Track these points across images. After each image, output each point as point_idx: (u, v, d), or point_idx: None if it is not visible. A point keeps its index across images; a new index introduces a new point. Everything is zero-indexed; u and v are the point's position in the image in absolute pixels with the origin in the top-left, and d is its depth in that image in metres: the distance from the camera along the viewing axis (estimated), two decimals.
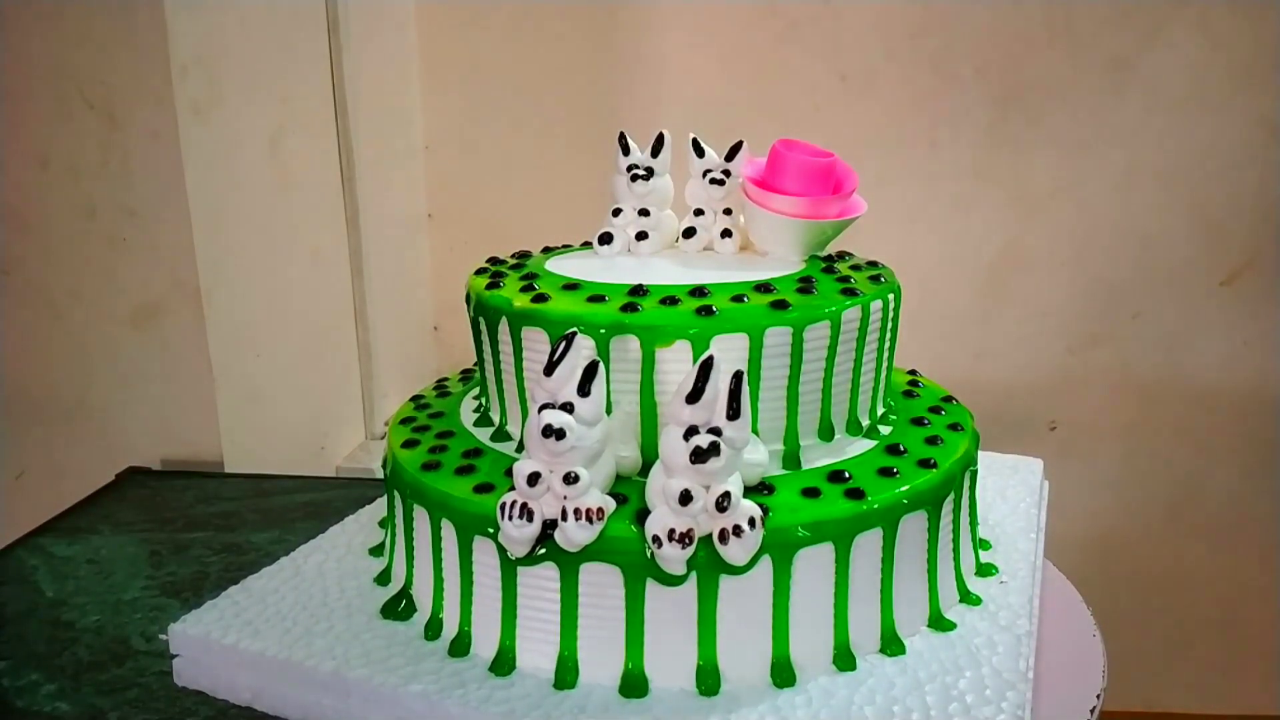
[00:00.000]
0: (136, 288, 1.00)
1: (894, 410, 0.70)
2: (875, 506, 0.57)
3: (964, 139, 1.31)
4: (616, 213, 0.73)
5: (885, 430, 0.67)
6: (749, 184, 0.70)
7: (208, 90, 0.98)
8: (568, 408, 0.52)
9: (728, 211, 0.74)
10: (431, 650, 0.59)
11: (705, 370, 0.51)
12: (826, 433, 0.64)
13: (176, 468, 1.03)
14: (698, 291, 0.62)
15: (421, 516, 0.62)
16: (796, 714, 0.53)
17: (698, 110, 1.32)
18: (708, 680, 0.55)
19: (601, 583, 0.55)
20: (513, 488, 0.54)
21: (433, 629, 0.61)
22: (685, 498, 0.51)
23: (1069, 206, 1.32)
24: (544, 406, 0.52)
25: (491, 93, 1.39)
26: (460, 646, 0.59)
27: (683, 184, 0.74)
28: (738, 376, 0.51)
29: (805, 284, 0.63)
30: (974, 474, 0.67)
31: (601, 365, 0.53)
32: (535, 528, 0.54)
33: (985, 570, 0.68)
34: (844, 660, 0.57)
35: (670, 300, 0.60)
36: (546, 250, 0.77)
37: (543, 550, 0.55)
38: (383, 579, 0.68)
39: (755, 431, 0.59)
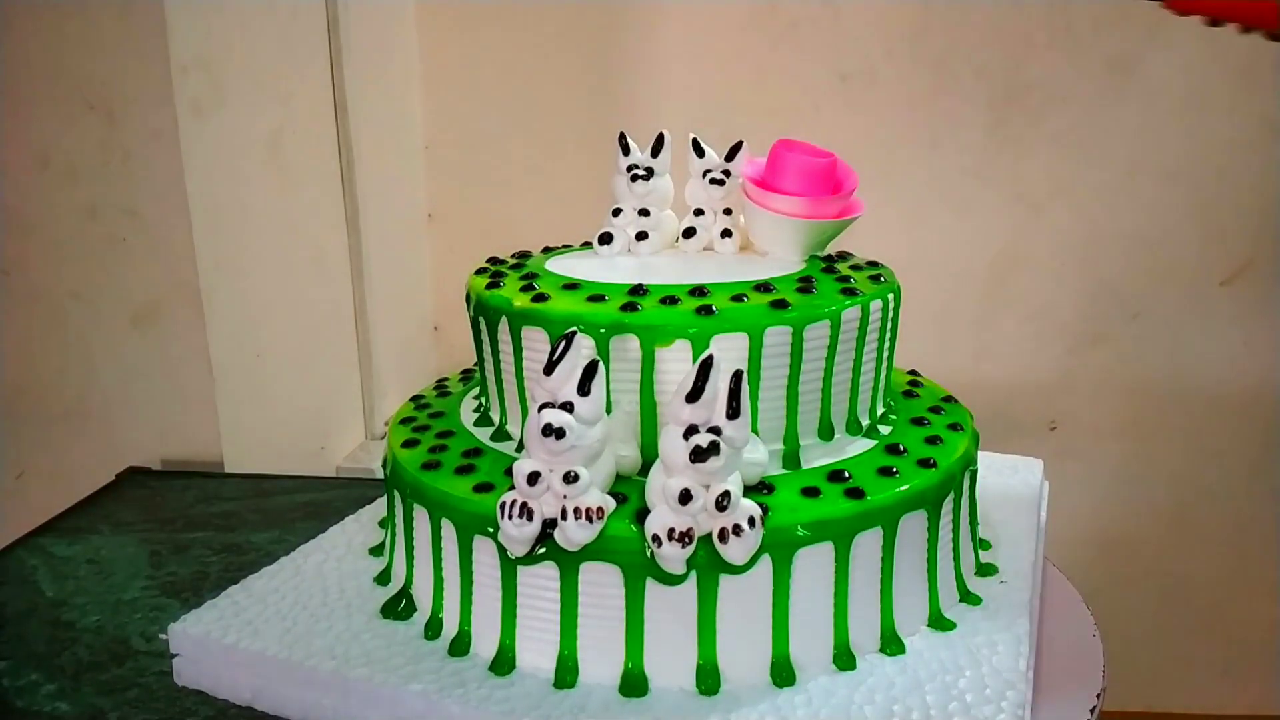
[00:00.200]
0: (137, 288, 1.00)
1: (894, 410, 0.70)
2: (875, 506, 0.57)
3: (964, 139, 1.31)
4: (616, 213, 0.73)
5: (885, 430, 0.67)
6: (749, 184, 0.70)
7: (208, 90, 0.98)
8: (568, 407, 0.52)
9: (728, 211, 0.74)
10: (431, 650, 0.59)
11: (705, 370, 0.51)
12: (826, 432, 0.64)
13: (176, 468, 1.03)
14: (698, 291, 0.62)
15: (421, 516, 0.62)
16: (796, 713, 0.53)
17: (698, 110, 1.32)
18: (708, 680, 0.55)
19: (601, 582, 0.55)
20: (512, 487, 0.54)
21: (433, 629, 0.61)
22: (685, 497, 0.51)
23: (1069, 207, 1.32)
24: (544, 406, 0.52)
25: (491, 93, 1.39)
26: (460, 646, 0.59)
27: (683, 184, 0.74)
28: (737, 376, 0.51)
29: (805, 284, 0.63)
30: (974, 474, 0.67)
31: (601, 365, 0.53)
32: (535, 527, 0.54)
33: (985, 570, 0.68)
34: (844, 660, 0.57)
35: (670, 300, 0.60)
36: (546, 250, 0.77)
37: (542, 550, 0.55)
38: (383, 579, 0.68)
39: (755, 431, 0.59)
